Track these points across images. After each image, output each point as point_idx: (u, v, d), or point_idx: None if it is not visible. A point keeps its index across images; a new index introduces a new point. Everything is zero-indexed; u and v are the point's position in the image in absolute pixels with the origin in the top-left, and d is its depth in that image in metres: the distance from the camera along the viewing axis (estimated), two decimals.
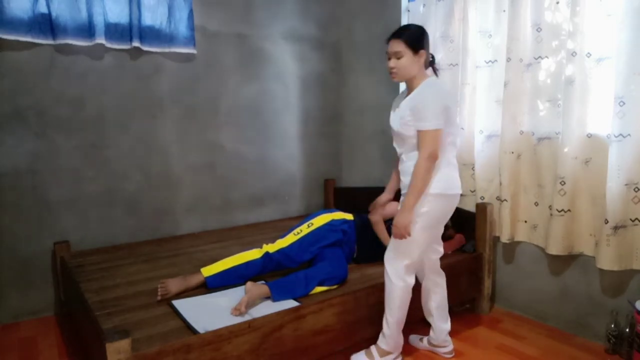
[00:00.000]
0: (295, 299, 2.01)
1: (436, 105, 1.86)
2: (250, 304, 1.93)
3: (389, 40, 1.97)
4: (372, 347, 2.08)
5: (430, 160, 1.87)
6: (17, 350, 2.29)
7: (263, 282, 2.07)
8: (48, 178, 2.63)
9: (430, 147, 1.85)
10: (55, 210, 2.66)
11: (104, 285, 2.17)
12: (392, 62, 1.95)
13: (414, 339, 2.30)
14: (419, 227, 1.92)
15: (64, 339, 2.41)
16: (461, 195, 2.82)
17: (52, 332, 2.49)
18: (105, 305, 1.95)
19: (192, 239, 2.95)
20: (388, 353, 2.06)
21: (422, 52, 1.94)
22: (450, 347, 2.19)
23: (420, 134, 1.88)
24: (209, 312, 1.88)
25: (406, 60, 1.93)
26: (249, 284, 2.01)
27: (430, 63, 2.04)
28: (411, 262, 1.97)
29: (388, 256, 2.02)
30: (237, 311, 1.86)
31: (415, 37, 1.94)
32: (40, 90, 2.57)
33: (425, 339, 2.25)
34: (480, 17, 2.68)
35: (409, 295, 2.01)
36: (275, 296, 2.00)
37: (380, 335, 2.07)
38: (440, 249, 2.15)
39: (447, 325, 2.18)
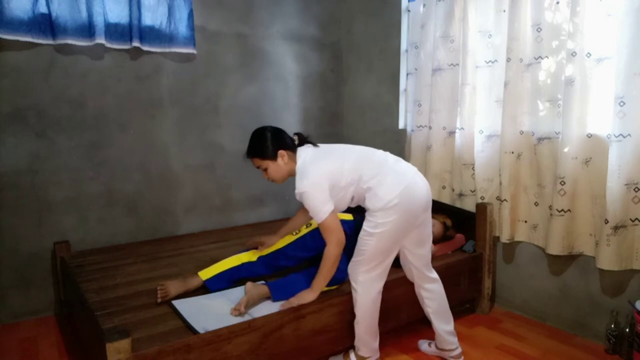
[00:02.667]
0: None
1: (315, 194, 1.83)
2: (250, 304, 1.93)
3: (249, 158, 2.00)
4: (351, 353, 2.06)
5: (339, 246, 1.87)
6: (17, 350, 2.29)
7: (263, 282, 2.07)
8: (48, 178, 2.63)
9: (334, 235, 1.85)
10: (55, 210, 2.66)
11: (104, 285, 2.17)
12: (264, 175, 1.99)
13: (422, 343, 2.26)
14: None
15: (64, 339, 2.41)
16: (461, 195, 2.87)
17: (52, 332, 2.49)
18: (105, 305, 1.95)
19: (192, 239, 2.95)
20: (365, 358, 2.04)
21: (280, 152, 1.93)
22: (458, 350, 2.13)
23: (319, 225, 1.87)
24: (209, 312, 1.88)
25: (272, 169, 1.96)
26: (249, 284, 2.01)
27: (300, 141, 2.02)
28: (369, 268, 1.91)
29: (351, 263, 1.98)
30: (237, 311, 1.86)
31: (264, 148, 1.94)
32: (40, 90, 2.58)
33: (432, 343, 2.21)
34: (480, 17, 2.68)
35: (373, 303, 1.95)
36: (275, 296, 1.99)
37: (355, 341, 2.03)
38: (421, 253, 2.04)
39: (448, 327, 2.12)
